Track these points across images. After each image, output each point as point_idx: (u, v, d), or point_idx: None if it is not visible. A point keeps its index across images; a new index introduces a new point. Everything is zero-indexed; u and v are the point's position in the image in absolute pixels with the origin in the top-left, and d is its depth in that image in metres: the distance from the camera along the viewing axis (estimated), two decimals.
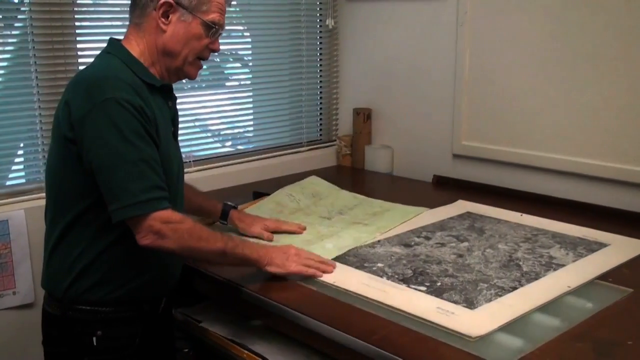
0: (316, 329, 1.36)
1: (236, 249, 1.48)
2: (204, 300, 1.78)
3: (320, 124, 2.91)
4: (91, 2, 2.14)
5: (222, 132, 2.67)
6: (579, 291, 1.48)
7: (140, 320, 1.52)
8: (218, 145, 2.67)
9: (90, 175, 1.38)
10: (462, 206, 2.13)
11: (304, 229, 1.89)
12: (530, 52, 2.20)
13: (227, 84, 2.72)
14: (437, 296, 1.43)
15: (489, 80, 2.33)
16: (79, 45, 2.08)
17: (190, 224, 1.43)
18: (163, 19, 1.49)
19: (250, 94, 2.75)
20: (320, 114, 2.90)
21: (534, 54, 2.19)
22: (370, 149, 2.71)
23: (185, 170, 2.29)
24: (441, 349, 1.24)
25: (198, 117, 2.51)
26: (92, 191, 1.39)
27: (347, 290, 1.47)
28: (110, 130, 1.35)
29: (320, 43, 2.83)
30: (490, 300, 1.41)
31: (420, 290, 1.47)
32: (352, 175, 2.67)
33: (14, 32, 2.01)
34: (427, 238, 1.81)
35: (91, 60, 1.54)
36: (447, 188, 2.42)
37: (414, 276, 1.55)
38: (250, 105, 2.74)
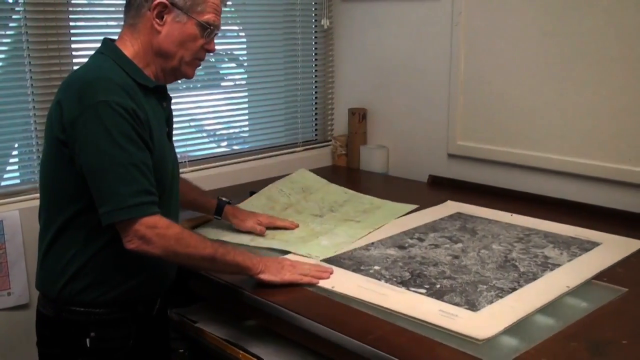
0: (312, 329, 1.36)
1: (227, 255, 1.47)
2: (199, 301, 1.78)
3: (316, 124, 2.91)
4: (86, 2, 2.13)
5: (217, 132, 2.67)
6: (574, 291, 1.49)
7: (134, 321, 1.51)
8: (213, 145, 2.67)
9: (82, 177, 1.38)
10: (451, 207, 2.12)
11: (297, 226, 1.92)
12: (525, 52, 2.21)
13: (223, 84, 2.72)
14: (438, 299, 1.42)
15: (484, 81, 2.34)
16: (73, 46, 2.07)
17: (178, 230, 1.42)
18: (157, 20, 1.48)
19: (246, 94, 2.74)
20: (316, 114, 2.90)
21: (528, 54, 2.20)
22: (366, 149, 2.71)
23: (181, 170, 2.29)
24: (437, 349, 1.24)
25: (193, 117, 2.51)
26: (85, 193, 1.39)
27: (346, 295, 1.46)
28: (101, 134, 1.34)
29: (316, 43, 2.83)
30: (491, 301, 1.41)
31: (420, 293, 1.46)
32: (347, 175, 2.67)
33: (8, 33, 2.01)
34: (421, 239, 1.81)
35: (86, 60, 1.53)
36: (442, 188, 2.42)
37: (412, 278, 1.54)
38: (246, 106, 2.73)
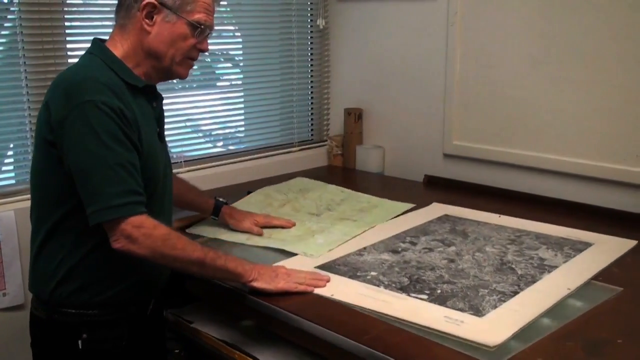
0: (308, 329, 1.36)
1: (217, 260, 1.45)
2: (195, 301, 1.78)
3: (312, 124, 2.91)
4: (81, 2, 2.13)
5: (213, 132, 2.67)
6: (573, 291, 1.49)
7: (126, 322, 1.50)
8: (209, 145, 2.66)
9: (71, 178, 1.37)
10: (438, 209, 2.10)
11: (294, 224, 1.93)
12: (521, 52, 2.21)
13: (218, 84, 2.72)
14: (440, 304, 1.40)
15: (479, 80, 2.34)
16: (68, 46, 2.07)
17: (165, 231, 1.40)
18: (147, 20, 1.47)
19: (242, 94, 2.74)
20: (312, 114, 2.90)
21: (524, 54, 2.20)
22: (362, 149, 2.71)
23: (177, 170, 2.30)
24: (433, 348, 1.24)
25: (189, 117, 2.51)
26: (75, 194, 1.38)
27: (348, 303, 1.43)
28: (87, 134, 1.34)
29: (311, 43, 2.83)
30: (495, 306, 1.39)
31: (421, 299, 1.44)
32: (343, 175, 2.67)
33: (3, 32, 2.00)
34: (413, 243, 1.79)
35: None
36: (438, 188, 2.42)
37: (412, 284, 1.51)
38: (242, 106, 2.73)
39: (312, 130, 2.91)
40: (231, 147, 2.70)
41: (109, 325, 1.48)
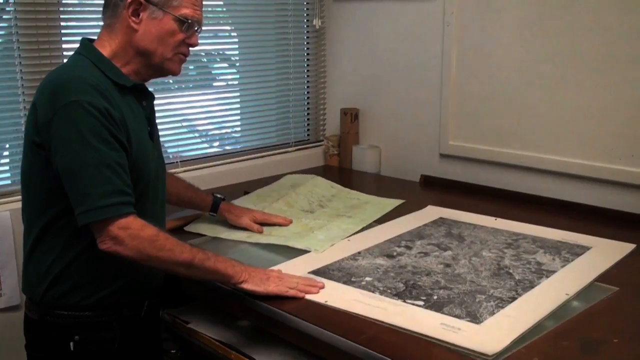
0: (304, 329, 1.35)
1: (206, 261, 1.43)
2: (191, 301, 1.78)
3: (308, 124, 2.91)
4: (77, 2, 2.13)
5: (209, 133, 2.66)
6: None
7: (119, 324, 1.49)
8: (205, 145, 2.66)
9: (60, 179, 1.36)
10: (433, 212, 2.06)
11: (291, 221, 1.94)
12: (517, 53, 2.21)
13: (215, 84, 2.72)
14: (437, 311, 1.37)
15: (475, 81, 2.34)
16: (64, 46, 2.06)
17: (152, 232, 1.38)
18: (133, 18, 1.46)
19: (238, 94, 2.74)
20: (308, 114, 2.90)
21: (520, 54, 2.21)
22: (358, 149, 2.71)
23: (173, 170, 2.30)
24: (430, 348, 1.24)
25: (185, 117, 2.51)
26: (64, 195, 1.37)
27: (342, 309, 1.39)
28: (73, 135, 1.33)
29: (308, 43, 2.83)
30: (493, 313, 1.36)
31: (417, 305, 1.40)
32: (339, 175, 2.67)
33: None
34: (408, 247, 1.76)
35: None
36: (434, 188, 2.43)
37: (407, 290, 1.48)
38: (238, 106, 2.73)
39: (308, 130, 2.91)
40: (227, 147, 2.70)
41: (101, 327, 1.47)
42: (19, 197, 1.98)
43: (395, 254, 1.72)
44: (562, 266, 1.62)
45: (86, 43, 1.50)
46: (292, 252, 1.72)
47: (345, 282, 1.53)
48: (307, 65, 2.85)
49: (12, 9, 1.96)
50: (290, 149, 2.80)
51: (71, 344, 1.44)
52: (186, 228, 1.91)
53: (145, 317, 1.58)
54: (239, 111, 2.73)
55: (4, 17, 1.98)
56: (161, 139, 1.70)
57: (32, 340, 1.51)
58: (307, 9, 2.80)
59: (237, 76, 2.75)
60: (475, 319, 1.34)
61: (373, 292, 1.48)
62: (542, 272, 1.58)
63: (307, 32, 2.82)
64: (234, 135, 2.75)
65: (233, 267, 1.46)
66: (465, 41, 2.35)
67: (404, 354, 1.22)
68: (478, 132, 2.36)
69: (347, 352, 1.27)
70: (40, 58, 2.02)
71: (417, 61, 2.52)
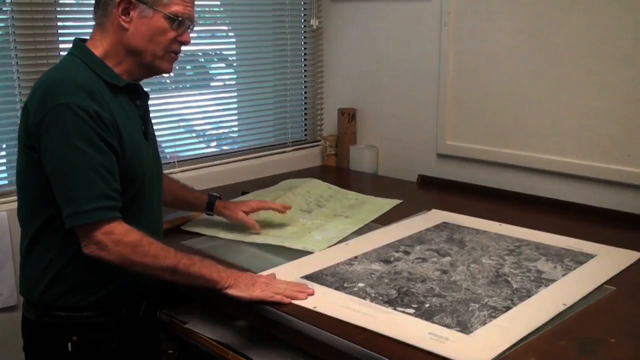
0: (302, 329, 1.35)
1: (191, 267, 1.41)
2: (189, 302, 1.78)
3: (305, 124, 2.91)
4: (74, 1, 2.12)
5: (206, 133, 2.66)
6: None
7: (117, 324, 1.49)
8: (203, 145, 2.66)
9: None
10: (437, 216, 2.03)
11: (289, 208, 1.93)
12: (514, 53, 2.22)
13: (212, 84, 2.72)
14: (427, 319, 1.33)
15: (472, 80, 2.34)
16: (61, 46, 2.06)
17: (136, 237, 1.37)
18: (124, 17, 1.45)
19: (235, 94, 2.74)
20: (305, 114, 2.90)
21: (517, 54, 2.21)
22: (355, 149, 2.71)
23: (170, 171, 2.30)
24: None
25: (182, 117, 2.50)
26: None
27: (330, 316, 1.36)
28: (61, 137, 1.33)
29: (305, 43, 2.83)
30: (484, 322, 1.31)
31: (407, 313, 1.36)
32: (337, 175, 2.67)
33: None
34: (407, 252, 1.72)
35: None
36: (431, 188, 2.43)
37: (399, 297, 1.44)
38: (235, 106, 2.73)
39: (305, 130, 2.91)
40: (225, 148, 2.70)
41: (99, 327, 1.47)
42: (16, 197, 1.99)
43: (392, 259, 1.68)
44: (563, 275, 1.57)
45: (78, 43, 1.49)
46: (289, 253, 1.72)
47: (337, 288, 1.50)
48: (305, 65, 2.85)
49: (9, 8, 1.95)
50: (287, 149, 2.80)
51: (69, 344, 1.44)
52: (183, 227, 1.91)
53: (143, 318, 1.58)
54: (236, 111, 2.73)
55: (1, 17, 1.98)
56: (158, 139, 1.69)
57: (30, 341, 1.50)
58: (305, 8, 2.80)
59: (235, 76, 2.75)
60: (465, 328, 1.29)
61: (364, 298, 1.44)
62: (542, 281, 1.53)
63: (305, 32, 2.82)
64: (231, 135, 2.75)
65: (218, 272, 1.44)
66: (462, 41, 2.35)
67: (402, 354, 1.22)
68: (475, 132, 2.36)
69: (344, 352, 1.27)
70: (37, 58, 2.02)
71: (415, 61, 2.52)
